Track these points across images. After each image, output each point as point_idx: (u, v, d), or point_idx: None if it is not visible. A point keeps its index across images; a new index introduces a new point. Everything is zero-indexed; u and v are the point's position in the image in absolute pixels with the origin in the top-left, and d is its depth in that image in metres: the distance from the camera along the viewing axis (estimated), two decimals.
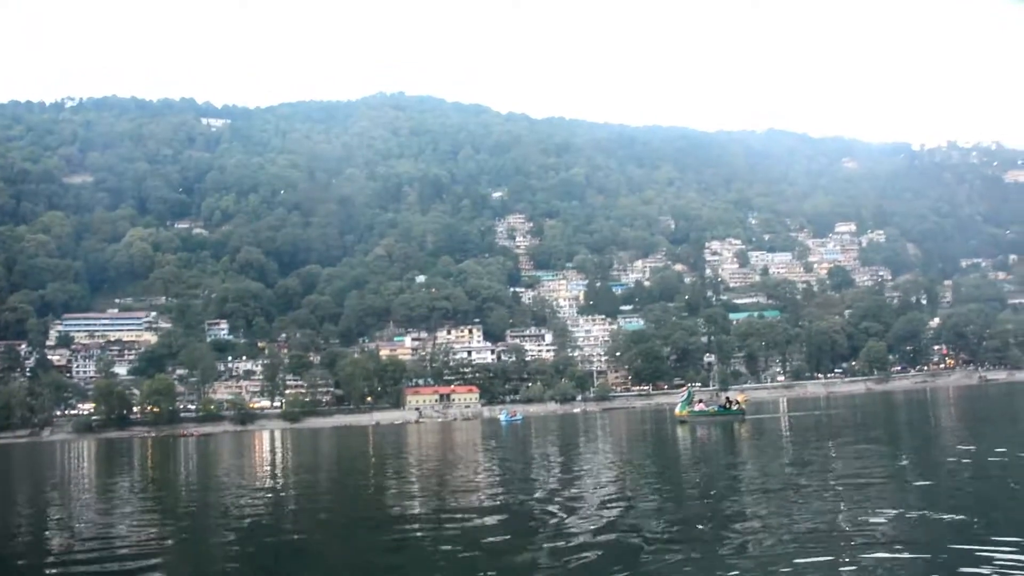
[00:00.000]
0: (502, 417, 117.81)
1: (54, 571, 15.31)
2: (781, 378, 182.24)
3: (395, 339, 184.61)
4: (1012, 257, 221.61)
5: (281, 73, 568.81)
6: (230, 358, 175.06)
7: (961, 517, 14.44)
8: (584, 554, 13.64)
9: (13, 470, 59.50)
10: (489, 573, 12.58)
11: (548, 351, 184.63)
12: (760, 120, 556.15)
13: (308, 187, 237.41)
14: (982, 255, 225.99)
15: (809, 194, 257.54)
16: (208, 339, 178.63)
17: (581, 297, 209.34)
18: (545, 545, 14.72)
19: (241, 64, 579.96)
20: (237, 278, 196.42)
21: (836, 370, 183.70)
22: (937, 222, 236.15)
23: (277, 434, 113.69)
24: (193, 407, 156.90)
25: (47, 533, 21.24)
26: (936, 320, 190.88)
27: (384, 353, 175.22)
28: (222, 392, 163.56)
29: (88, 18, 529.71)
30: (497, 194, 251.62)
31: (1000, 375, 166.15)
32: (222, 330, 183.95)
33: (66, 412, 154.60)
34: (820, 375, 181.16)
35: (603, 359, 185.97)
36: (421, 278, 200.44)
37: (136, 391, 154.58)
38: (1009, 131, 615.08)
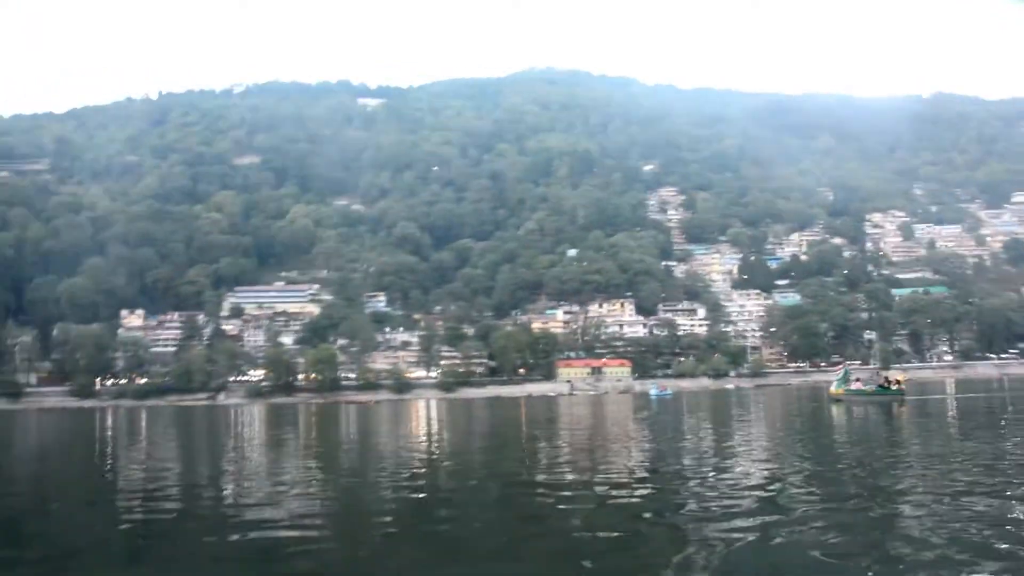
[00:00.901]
0: (652, 391, 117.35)
1: (232, 516, 16.88)
2: (948, 358, 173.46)
3: (547, 312, 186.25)
4: None
5: (433, 53, 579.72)
6: (387, 329, 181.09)
7: None
8: (725, 534, 13.64)
9: (195, 429, 64.25)
10: (627, 540, 12.89)
11: (701, 326, 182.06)
12: (926, 84, 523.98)
13: (461, 163, 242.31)
14: None
15: (982, 161, 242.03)
16: (367, 311, 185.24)
17: (735, 271, 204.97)
18: (689, 525, 14.81)
19: (395, 45, 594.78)
20: (393, 252, 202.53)
21: (1012, 351, 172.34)
22: None
23: (432, 403, 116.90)
24: (353, 376, 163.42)
25: (225, 486, 23.21)
26: None
27: (536, 326, 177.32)
28: (380, 362, 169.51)
29: (253, 7, 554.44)
30: (648, 167, 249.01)
31: None
32: (380, 302, 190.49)
33: (239, 378, 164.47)
34: (992, 355, 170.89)
35: (757, 335, 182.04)
36: (572, 252, 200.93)
37: (301, 360, 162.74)
38: None
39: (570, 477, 21.77)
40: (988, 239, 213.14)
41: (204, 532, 15.39)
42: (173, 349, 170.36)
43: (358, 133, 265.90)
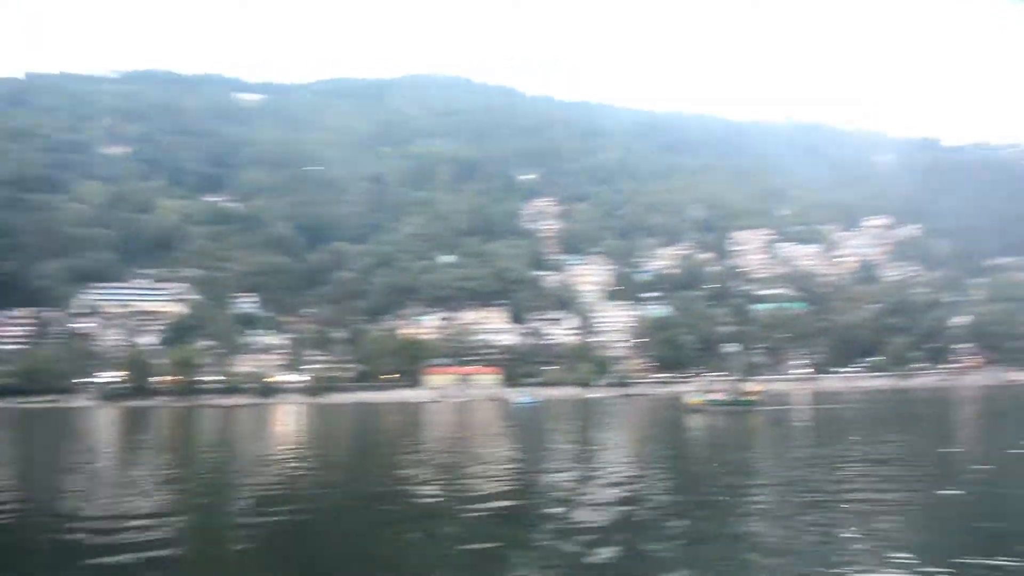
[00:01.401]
0: (518, 400, 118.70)
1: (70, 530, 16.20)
2: (804, 370, 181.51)
3: (419, 318, 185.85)
4: None
5: (318, 51, 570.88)
6: (255, 331, 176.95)
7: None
8: (579, 537, 14.09)
9: (36, 434, 61.20)
10: (488, 546, 13.14)
11: (571, 335, 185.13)
12: (792, 112, 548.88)
13: (340, 164, 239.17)
14: (1011, 254, 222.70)
15: (838, 187, 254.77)
16: (234, 312, 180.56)
17: (606, 282, 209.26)
18: (544, 532, 15.17)
19: (279, 41, 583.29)
20: (266, 252, 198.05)
21: (859, 365, 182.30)
22: (967, 219, 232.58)
23: (298, 408, 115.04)
24: (216, 379, 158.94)
25: (66, 499, 22.21)
26: (963, 318, 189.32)
27: (408, 331, 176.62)
28: (246, 365, 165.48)
29: None
30: (527, 177, 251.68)
31: (1020, 376, 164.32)
32: (249, 303, 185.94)
33: (91, 379, 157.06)
34: (843, 369, 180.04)
35: (625, 345, 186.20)
36: (448, 258, 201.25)
37: (161, 361, 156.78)
38: None
39: (432, 489, 21.80)
40: (842, 260, 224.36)
41: (31, 558, 14.55)
42: (20, 347, 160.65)
43: (235, 128, 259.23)
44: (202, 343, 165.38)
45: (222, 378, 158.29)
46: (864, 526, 15.36)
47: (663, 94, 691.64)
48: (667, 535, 14.53)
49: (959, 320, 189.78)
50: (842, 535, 14.54)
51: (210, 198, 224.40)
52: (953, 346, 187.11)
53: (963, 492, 18.56)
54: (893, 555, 12.93)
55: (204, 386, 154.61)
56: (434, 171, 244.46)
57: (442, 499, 20.24)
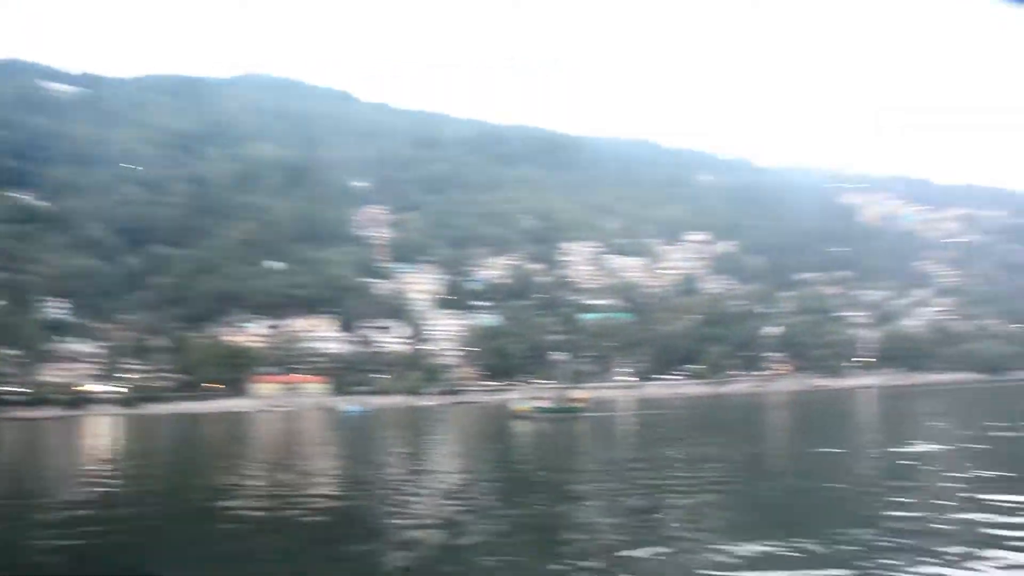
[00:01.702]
0: (347, 408, 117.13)
1: None
2: (629, 378, 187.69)
3: (245, 325, 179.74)
4: (842, 273, 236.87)
5: (142, 44, 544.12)
6: (65, 338, 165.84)
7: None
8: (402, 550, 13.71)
9: None
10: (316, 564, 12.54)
11: (401, 343, 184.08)
12: (623, 128, 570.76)
13: (163, 164, 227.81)
14: (816, 270, 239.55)
15: (663, 203, 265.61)
16: (41, 318, 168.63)
17: (437, 291, 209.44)
18: (367, 544, 14.73)
19: (99, 30, 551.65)
20: (78, 254, 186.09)
21: (680, 372, 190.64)
22: (778, 237, 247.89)
23: (113, 420, 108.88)
24: (20, 390, 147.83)
25: None
26: (774, 329, 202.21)
27: (233, 339, 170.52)
28: (54, 374, 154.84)
29: None
30: (359, 183, 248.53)
31: (826, 382, 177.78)
32: (58, 309, 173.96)
33: None
34: (665, 376, 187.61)
35: (456, 353, 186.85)
36: (276, 264, 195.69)
37: None
38: (845, 157, 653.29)
39: (255, 503, 20.70)
40: (666, 272, 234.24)
41: None
42: None
43: (43, 120, 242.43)
44: (3, 351, 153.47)
45: (27, 389, 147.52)
46: (681, 516, 16.13)
47: (496, 106, 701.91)
48: (491, 535, 14.50)
49: (770, 331, 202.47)
50: (662, 525, 15.18)
51: (14, 195, 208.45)
52: (765, 355, 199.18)
53: (773, 486, 19.78)
54: (706, 536, 13.46)
55: (6, 397, 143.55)
56: (262, 175, 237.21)
57: (264, 512, 19.31)
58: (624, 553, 12.41)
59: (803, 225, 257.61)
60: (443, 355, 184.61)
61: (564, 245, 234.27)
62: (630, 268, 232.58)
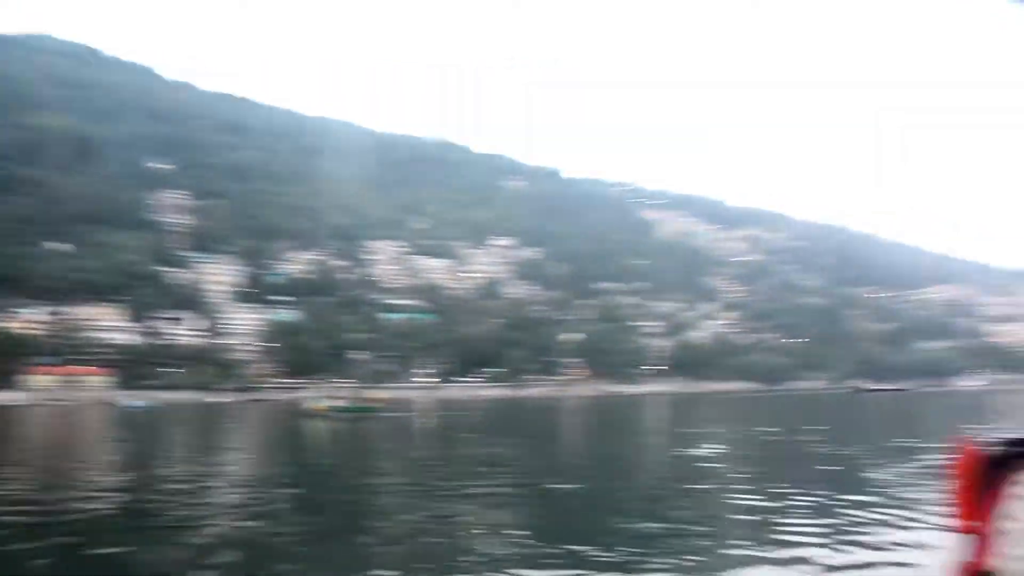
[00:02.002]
0: (129, 403, 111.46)
1: None
2: (430, 379, 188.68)
3: (20, 311, 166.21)
4: (638, 284, 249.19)
5: None
6: None
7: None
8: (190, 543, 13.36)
9: None
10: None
11: (195, 336, 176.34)
12: (437, 129, 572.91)
13: None
14: (614, 280, 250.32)
15: (470, 206, 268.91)
16: None
17: (236, 283, 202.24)
18: (122, 547, 14.11)
19: None
20: None
21: (481, 375, 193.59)
22: (580, 246, 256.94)
23: None
24: None
25: None
26: (573, 335, 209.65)
27: (5, 325, 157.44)
28: None
29: None
30: (158, 165, 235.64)
31: (620, 388, 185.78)
32: None
33: None
34: (466, 379, 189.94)
35: (253, 349, 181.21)
36: (59, 246, 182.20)
37: None
38: (646, 173, 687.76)
39: (23, 509, 19.09)
40: (470, 275, 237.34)
41: None
42: None
43: None
44: None
45: None
46: (475, 515, 16.95)
47: (309, 96, 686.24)
48: (285, 535, 14.55)
49: (569, 337, 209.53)
50: (456, 523, 15.96)
51: None
52: (563, 360, 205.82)
53: (568, 486, 20.96)
54: (502, 538, 14.07)
55: None
56: (48, 147, 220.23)
57: (18, 517, 18.05)
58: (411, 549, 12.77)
59: (604, 236, 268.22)
60: (239, 350, 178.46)
61: (370, 243, 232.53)
62: (435, 270, 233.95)
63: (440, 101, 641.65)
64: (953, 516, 1.41)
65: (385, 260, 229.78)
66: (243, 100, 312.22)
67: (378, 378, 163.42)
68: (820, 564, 11.35)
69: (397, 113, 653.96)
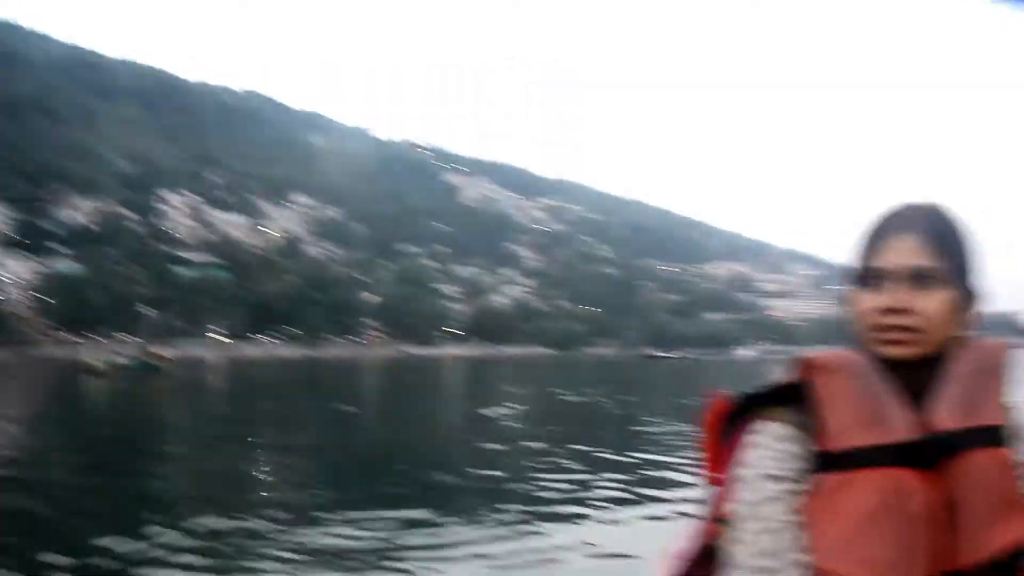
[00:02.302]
0: None
1: None
2: (223, 337, 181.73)
3: None
4: (440, 248, 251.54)
5: None
6: None
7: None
8: None
9: None
10: None
11: None
12: (242, 79, 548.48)
13: None
14: (415, 242, 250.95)
15: (272, 161, 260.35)
16: None
17: (6, 231, 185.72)
18: None
19: None
20: None
21: (277, 334, 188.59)
22: (387, 207, 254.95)
23: None
24: None
25: None
26: (372, 297, 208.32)
27: None
28: None
29: None
30: None
31: (419, 351, 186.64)
32: None
33: None
34: (262, 337, 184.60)
35: (25, 302, 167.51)
36: None
37: None
38: (454, 138, 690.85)
39: None
40: (270, 232, 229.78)
41: None
42: None
43: None
44: None
45: None
46: (265, 469, 16.63)
47: (103, 34, 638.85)
48: (69, 501, 13.28)
49: (369, 298, 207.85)
50: (243, 476, 15.51)
51: None
52: (362, 321, 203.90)
53: (364, 441, 21.31)
54: (294, 487, 13.97)
55: None
56: None
57: None
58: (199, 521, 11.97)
59: (408, 199, 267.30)
60: (10, 303, 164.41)
61: (162, 193, 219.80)
62: (232, 224, 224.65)
63: (234, 47, 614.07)
64: (703, 467, 1.49)
65: (177, 212, 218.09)
66: (20, 28, 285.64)
67: (166, 335, 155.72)
68: (590, 515, 12.06)
69: (203, 59, 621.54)
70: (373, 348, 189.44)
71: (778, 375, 1.37)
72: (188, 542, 10.95)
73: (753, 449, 1.38)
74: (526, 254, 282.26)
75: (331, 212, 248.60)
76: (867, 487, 1.29)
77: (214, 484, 15.10)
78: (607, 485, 14.53)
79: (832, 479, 1.31)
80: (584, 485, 14.46)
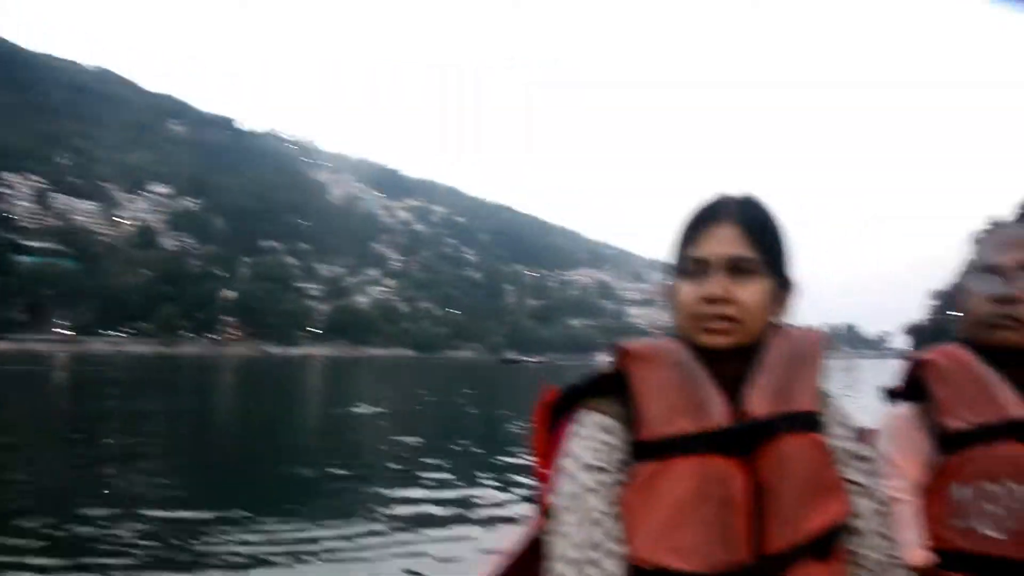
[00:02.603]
0: None
1: None
2: (68, 331, 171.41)
3: None
4: (303, 245, 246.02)
5: None
6: None
7: None
8: None
9: None
10: None
11: None
12: (92, 54, 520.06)
13: None
14: (277, 238, 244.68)
15: (127, 146, 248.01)
16: None
17: None
18: None
19: None
20: None
21: (128, 330, 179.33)
22: (249, 201, 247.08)
23: None
24: None
25: None
26: (231, 293, 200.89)
27: None
28: None
29: None
30: None
31: (279, 350, 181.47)
32: None
33: None
34: (111, 333, 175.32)
35: None
36: None
37: None
38: (322, 134, 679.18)
39: None
40: (122, 222, 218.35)
41: None
42: None
43: None
44: None
45: None
46: (114, 466, 16.03)
47: None
48: None
49: (227, 294, 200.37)
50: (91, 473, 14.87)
51: None
52: (220, 318, 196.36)
53: (216, 442, 21.15)
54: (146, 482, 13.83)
55: None
56: None
57: None
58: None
59: (272, 193, 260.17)
60: None
61: (2, 175, 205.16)
62: (80, 211, 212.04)
63: (101, 22, 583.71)
64: (534, 460, 1.47)
65: (18, 195, 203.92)
66: None
67: (4, 328, 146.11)
68: (424, 512, 12.13)
69: (48, 29, 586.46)
70: (231, 346, 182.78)
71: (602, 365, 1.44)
72: (25, 545, 10.24)
73: (574, 440, 1.37)
74: (391, 254, 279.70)
75: (189, 203, 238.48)
76: (682, 475, 1.30)
77: (51, 476, 14.45)
78: (461, 483, 14.89)
79: (649, 468, 1.32)
80: (440, 483, 14.80)
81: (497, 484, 14.87)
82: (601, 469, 1.33)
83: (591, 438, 1.36)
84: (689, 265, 1.37)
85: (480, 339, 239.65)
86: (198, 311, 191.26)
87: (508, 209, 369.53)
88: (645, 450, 1.34)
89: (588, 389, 1.44)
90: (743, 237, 1.35)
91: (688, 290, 1.40)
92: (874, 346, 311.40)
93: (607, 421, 1.38)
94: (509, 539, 1.62)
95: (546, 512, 1.35)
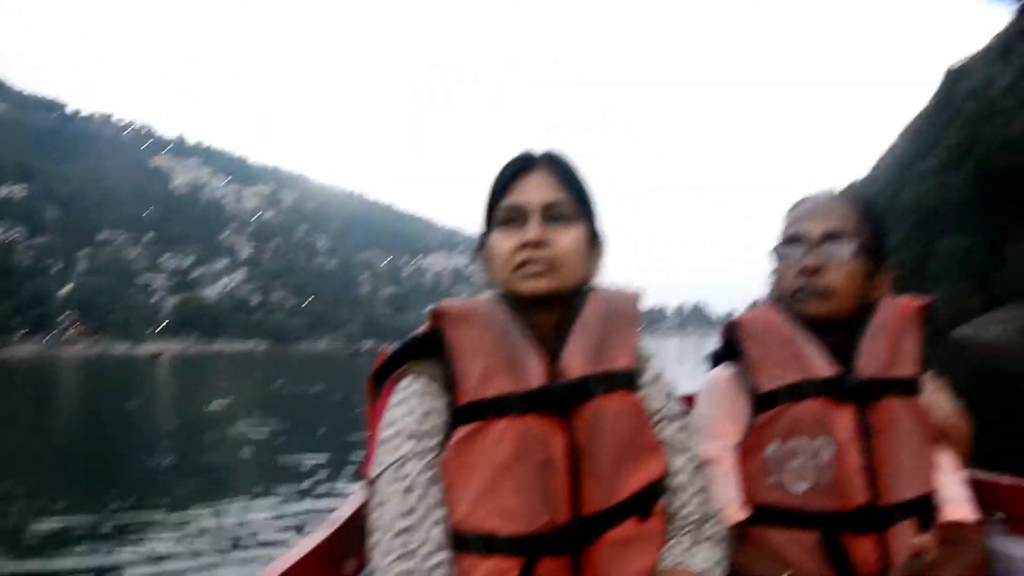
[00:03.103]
0: None
1: None
2: None
3: None
4: (148, 235, 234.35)
5: None
6: None
7: None
8: None
9: None
10: None
11: None
12: None
13: None
14: (120, 228, 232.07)
15: None
16: None
17: None
18: None
19: None
20: None
21: None
22: (82, 189, 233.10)
23: None
24: None
25: None
26: (67, 288, 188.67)
27: None
28: None
29: None
30: None
31: (123, 347, 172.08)
32: None
33: None
34: None
35: None
36: None
37: None
38: (166, 120, 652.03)
39: None
40: None
41: None
42: None
43: None
44: None
45: None
46: None
47: None
48: None
49: (64, 290, 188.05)
50: None
51: None
52: (57, 316, 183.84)
53: (68, 447, 19.09)
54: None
55: None
56: None
57: None
58: None
59: (109, 181, 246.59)
60: None
61: None
62: None
63: None
64: (367, 431, 1.43)
65: None
66: None
67: None
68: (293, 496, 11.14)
69: None
70: (70, 346, 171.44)
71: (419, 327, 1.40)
72: None
73: (392, 407, 1.35)
74: (240, 244, 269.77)
75: (15, 190, 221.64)
76: (500, 436, 1.28)
77: None
78: (314, 468, 13.78)
79: (468, 431, 1.30)
80: (291, 471, 13.68)
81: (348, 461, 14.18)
82: (421, 435, 1.30)
83: (409, 403, 1.33)
84: (506, 215, 1.36)
85: (334, 329, 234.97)
86: (31, 309, 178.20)
87: (360, 197, 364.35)
88: (465, 413, 1.31)
89: (406, 353, 1.41)
90: (558, 183, 1.37)
91: (505, 240, 1.38)
92: (722, 323, 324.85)
93: (427, 385, 1.35)
94: (336, 512, 1.62)
95: (370, 482, 1.32)
